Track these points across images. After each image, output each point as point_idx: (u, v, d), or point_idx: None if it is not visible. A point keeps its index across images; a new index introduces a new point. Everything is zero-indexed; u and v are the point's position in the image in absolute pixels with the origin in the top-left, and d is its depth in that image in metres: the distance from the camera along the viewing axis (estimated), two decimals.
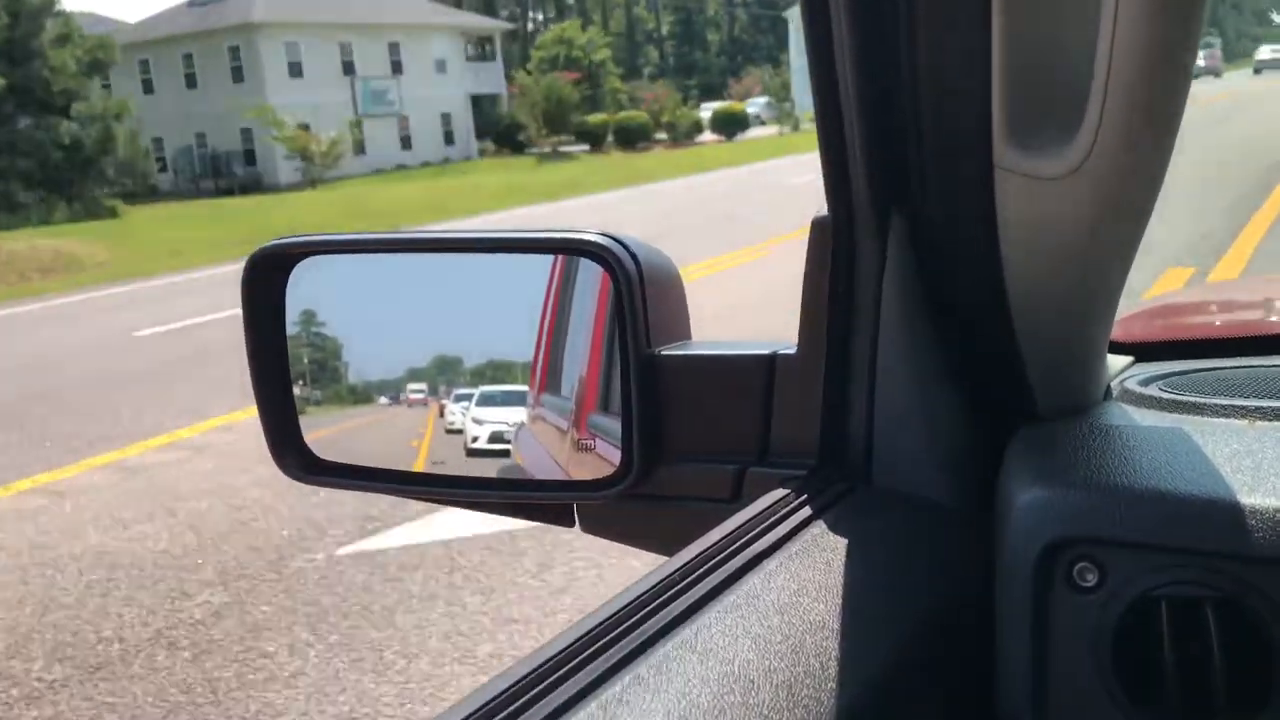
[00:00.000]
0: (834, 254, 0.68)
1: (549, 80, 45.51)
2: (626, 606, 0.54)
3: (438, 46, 44.42)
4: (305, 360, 0.84)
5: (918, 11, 0.58)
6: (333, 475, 0.84)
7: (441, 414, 0.81)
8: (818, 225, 0.68)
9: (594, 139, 45.82)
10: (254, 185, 37.00)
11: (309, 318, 0.83)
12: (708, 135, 46.66)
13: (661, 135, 46.18)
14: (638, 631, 0.53)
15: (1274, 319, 1.10)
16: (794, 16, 56.40)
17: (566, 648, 0.51)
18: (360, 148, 40.93)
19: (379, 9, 42.65)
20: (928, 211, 0.65)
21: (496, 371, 0.81)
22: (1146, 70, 0.51)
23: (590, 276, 0.74)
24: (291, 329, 0.82)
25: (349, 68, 40.35)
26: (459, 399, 0.80)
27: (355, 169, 39.08)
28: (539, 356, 0.79)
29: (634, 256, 0.73)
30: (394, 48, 42.31)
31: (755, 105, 58.40)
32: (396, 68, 42.33)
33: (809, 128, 54.49)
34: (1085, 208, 0.57)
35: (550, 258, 0.77)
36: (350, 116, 40.42)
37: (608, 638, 0.52)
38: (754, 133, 48.65)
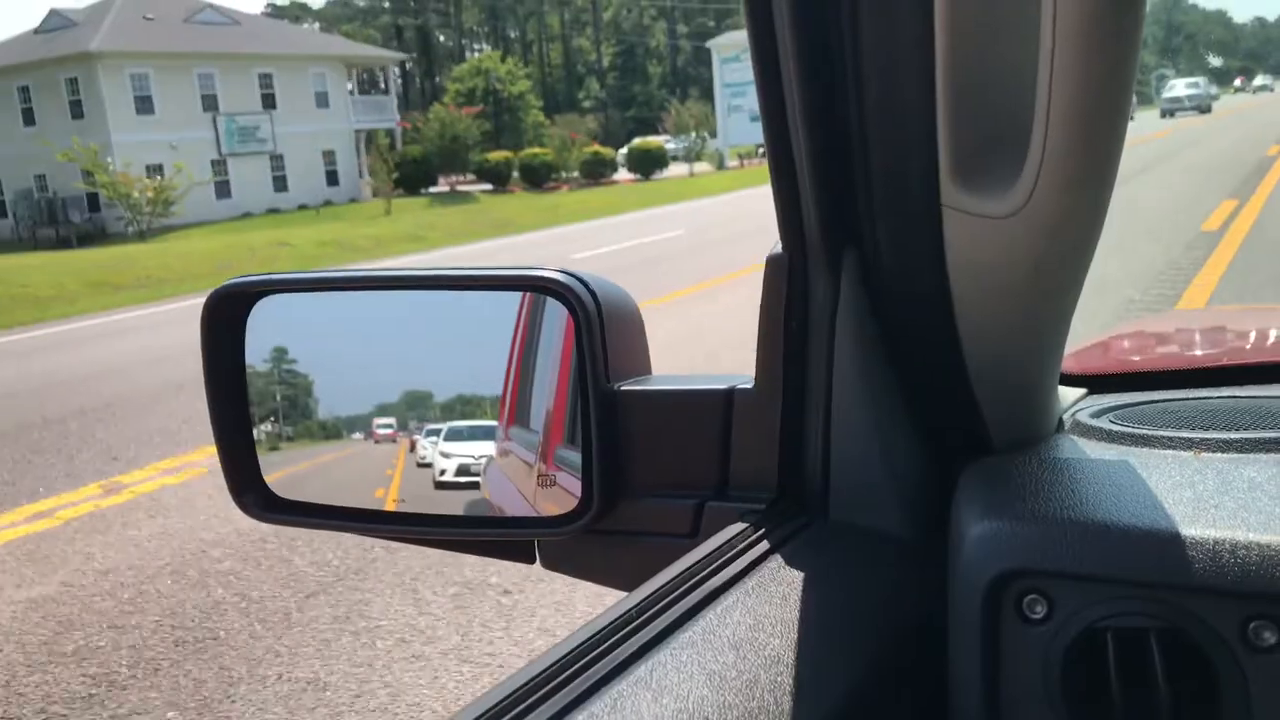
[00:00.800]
0: (788, 291, 0.73)
1: (442, 115, 40.69)
2: (583, 644, 0.56)
3: (318, 79, 39.97)
4: (278, 397, 0.87)
5: (864, 56, 0.63)
6: (294, 514, 0.87)
7: (413, 448, 0.84)
8: (772, 262, 0.72)
9: (497, 178, 44.38)
10: (98, 234, 32.51)
11: (280, 354, 0.86)
12: (624, 174, 45.93)
13: (574, 174, 45.52)
14: (593, 669, 0.54)
15: (1217, 351, 1.18)
16: (718, 46, 51.70)
17: (522, 686, 0.52)
18: (225, 190, 36.02)
19: (246, 38, 38.09)
20: (878, 249, 0.69)
21: (466, 406, 0.84)
22: (1083, 113, 0.55)
23: (556, 312, 0.78)
24: (263, 365, 0.85)
25: (211, 102, 35.55)
26: (429, 434, 0.84)
27: (219, 213, 35.03)
28: (508, 390, 0.83)
29: (593, 293, 0.77)
30: (265, 80, 37.84)
31: (686, 140, 54.29)
32: (268, 102, 37.78)
33: (735, 165, 49.37)
34: (1030, 246, 0.60)
35: (518, 295, 0.81)
36: (214, 156, 35.40)
37: (562, 676, 0.53)
38: (677, 170, 47.70)
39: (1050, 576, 0.61)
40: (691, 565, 0.65)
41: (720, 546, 0.67)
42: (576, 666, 0.54)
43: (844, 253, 0.71)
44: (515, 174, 42.62)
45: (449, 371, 0.84)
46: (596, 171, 44.72)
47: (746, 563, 0.66)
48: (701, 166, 49.95)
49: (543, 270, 0.77)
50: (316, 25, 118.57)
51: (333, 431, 0.88)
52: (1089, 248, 0.63)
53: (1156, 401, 0.86)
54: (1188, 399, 0.86)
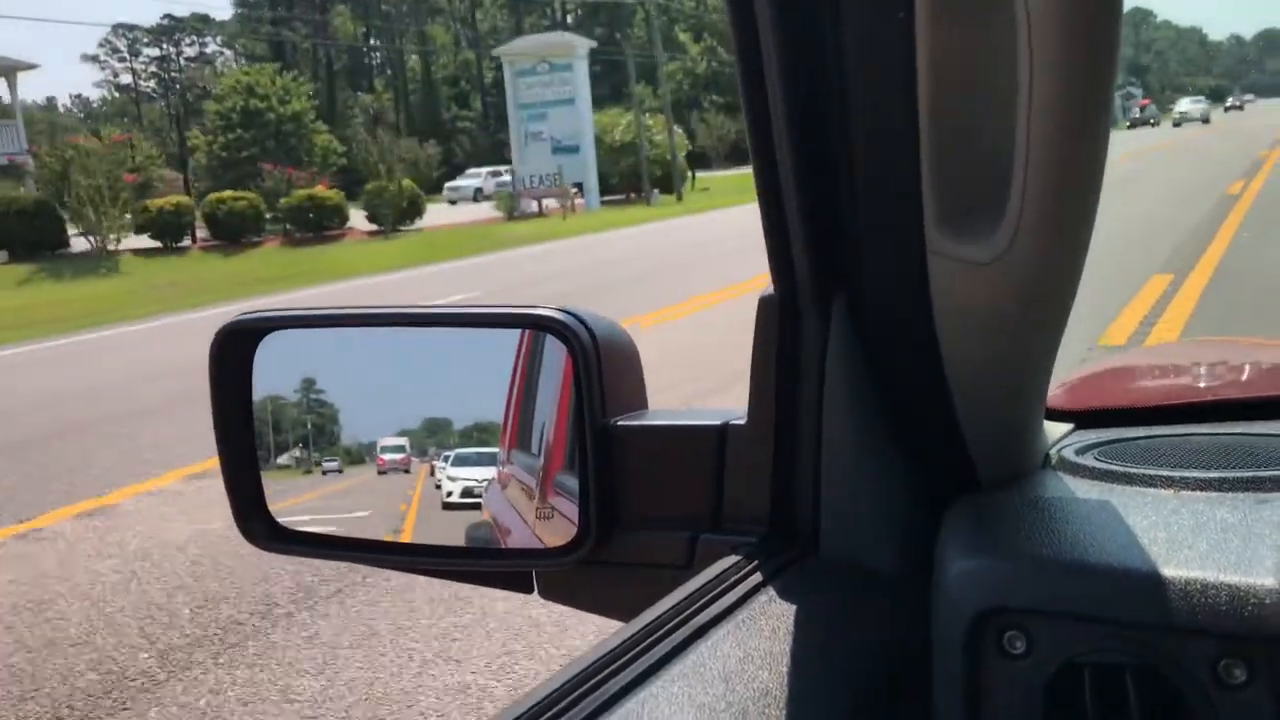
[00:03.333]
0: (779, 332, 0.83)
1: (64, 148, 26.87)
2: (574, 678, 0.63)
3: None
4: (308, 425, 1.00)
5: (851, 108, 0.72)
6: (298, 543, 1.00)
7: (432, 472, 0.97)
8: (765, 303, 0.84)
9: (169, 231, 34.01)
10: None
11: (309, 384, 0.99)
12: (364, 224, 37.79)
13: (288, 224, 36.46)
14: (585, 702, 0.61)
15: (1202, 386, 1.29)
16: (509, 55, 36.51)
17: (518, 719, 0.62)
18: None
19: None
20: (867, 292, 0.79)
21: (483, 434, 0.98)
22: (1060, 161, 0.62)
23: (555, 346, 0.91)
24: (293, 395, 0.98)
25: None
26: (445, 458, 0.97)
27: None
28: (509, 418, 0.96)
29: (590, 331, 0.88)
30: None
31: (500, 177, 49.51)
32: None
33: (536, 210, 34.06)
34: (1012, 290, 0.68)
35: (518, 331, 0.96)
36: None
37: (553, 710, 0.60)
38: (469, 213, 40.52)
39: (1030, 614, 0.68)
40: (684, 598, 0.73)
41: (712, 580, 0.76)
42: (569, 699, 0.60)
43: (833, 294, 0.80)
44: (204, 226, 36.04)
45: (456, 401, 0.96)
46: (317, 223, 36.10)
47: (738, 596, 0.73)
48: (476, 212, 35.40)
49: (541, 308, 0.90)
50: (219, 38, 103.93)
51: (356, 457, 1.00)
52: (1070, 291, 0.71)
53: (1140, 438, 0.95)
54: (1170, 435, 0.96)
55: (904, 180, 0.67)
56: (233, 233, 35.73)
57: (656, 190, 43.03)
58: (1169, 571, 0.65)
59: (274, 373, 0.97)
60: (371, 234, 36.89)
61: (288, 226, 36.70)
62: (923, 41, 0.62)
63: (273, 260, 30.81)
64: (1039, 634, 0.66)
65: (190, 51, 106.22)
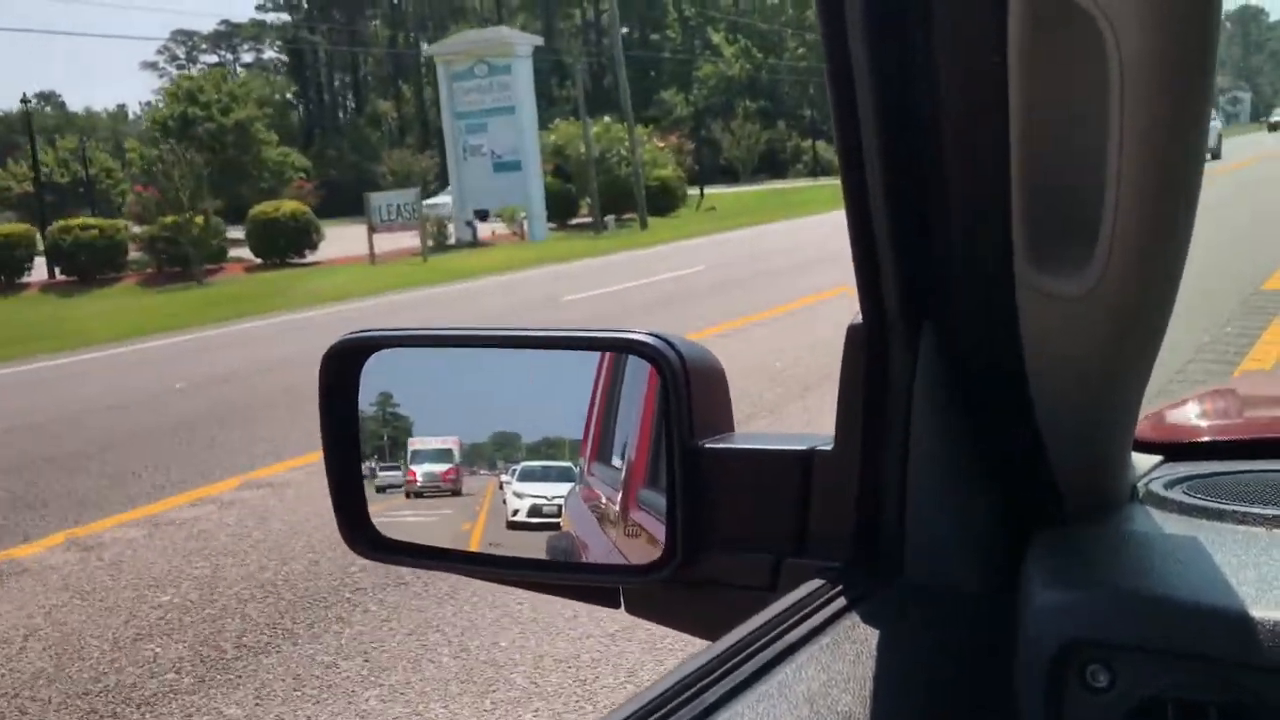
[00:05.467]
0: (867, 361, 0.85)
1: None
2: (665, 693, 0.66)
3: None
4: (384, 439, 1.06)
5: (943, 137, 0.74)
6: (397, 553, 1.07)
7: (501, 488, 1.02)
8: (852, 332, 0.86)
9: (8, 267, 30.03)
10: None
11: (385, 399, 1.03)
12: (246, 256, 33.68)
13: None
14: (675, 717, 0.64)
15: None
16: (444, 56, 30.10)
17: None
18: None
19: None
20: (955, 324, 0.82)
21: (551, 449, 1.01)
22: (1153, 196, 0.63)
23: (638, 369, 0.96)
24: (370, 410, 1.04)
25: None
26: (512, 472, 1.02)
27: None
28: (590, 434, 1.00)
29: (680, 355, 0.92)
30: None
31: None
32: None
33: (481, 239, 28.76)
34: (1103, 324, 0.70)
35: (597, 353, 1.01)
36: None
37: None
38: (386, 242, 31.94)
39: (1114, 648, 0.69)
40: (768, 620, 0.75)
41: (797, 603, 0.79)
42: (660, 714, 0.63)
43: (921, 324, 0.82)
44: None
45: (533, 420, 1.00)
46: (187, 256, 30.43)
47: (822, 619, 0.76)
48: (403, 240, 32.69)
49: (632, 332, 0.94)
50: (279, 43, 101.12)
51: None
52: (1160, 325, 0.71)
53: (1231, 473, 0.95)
54: (1264, 470, 0.95)
55: (994, 213, 0.69)
56: (83, 268, 30.76)
57: (612, 218, 36.77)
58: (1259, 611, 0.65)
59: (379, 390, 1.02)
60: (253, 268, 32.16)
61: (163, 259, 31.05)
62: (1015, 77, 0.63)
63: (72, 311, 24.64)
64: (1122, 668, 0.67)
65: (248, 58, 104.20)
